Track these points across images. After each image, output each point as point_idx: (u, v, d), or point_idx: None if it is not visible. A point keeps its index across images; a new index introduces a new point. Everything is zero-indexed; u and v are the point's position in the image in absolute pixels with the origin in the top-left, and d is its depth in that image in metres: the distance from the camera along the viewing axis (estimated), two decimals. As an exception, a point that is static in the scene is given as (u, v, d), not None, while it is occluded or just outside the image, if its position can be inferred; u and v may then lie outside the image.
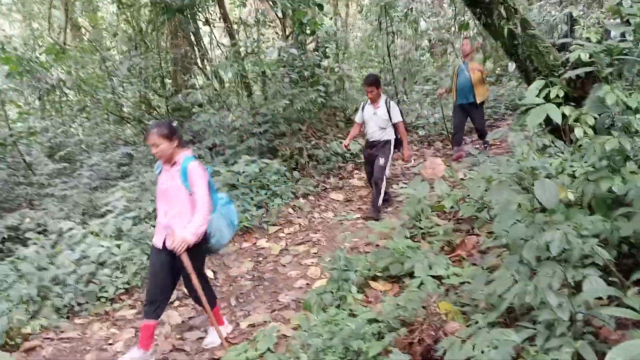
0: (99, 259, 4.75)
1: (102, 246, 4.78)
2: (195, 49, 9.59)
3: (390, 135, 6.29)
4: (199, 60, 9.83)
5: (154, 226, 5.47)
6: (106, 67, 8.67)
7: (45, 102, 9.62)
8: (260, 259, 5.53)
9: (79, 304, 4.44)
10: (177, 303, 4.63)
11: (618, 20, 3.98)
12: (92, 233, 5.10)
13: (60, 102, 9.81)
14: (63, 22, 11.42)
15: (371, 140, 6.37)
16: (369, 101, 6.35)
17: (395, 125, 6.27)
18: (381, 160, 6.14)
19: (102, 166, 7.78)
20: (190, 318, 4.37)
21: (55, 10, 12.37)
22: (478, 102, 7.41)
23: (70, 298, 4.37)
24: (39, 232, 5.49)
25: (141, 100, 9.03)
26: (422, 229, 4.63)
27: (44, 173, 7.44)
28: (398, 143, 6.39)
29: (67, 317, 4.36)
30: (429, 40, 13.58)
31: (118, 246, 4.93)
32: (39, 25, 15.56)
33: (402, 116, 6.32)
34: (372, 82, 6.25)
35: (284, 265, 5.27)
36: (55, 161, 8.13)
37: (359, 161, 8.15)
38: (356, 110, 7.63)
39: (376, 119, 6.26)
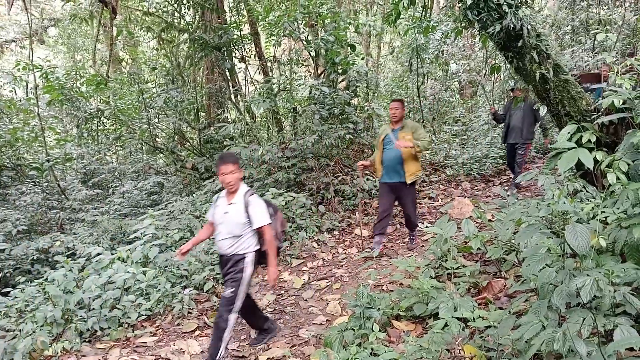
0: (125, 284, 4.82)
1: (128, 272, 4.85)
2: (230, 84, 9.87)
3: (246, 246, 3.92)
4: (232, 95, 10.11)
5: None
6: (143, 99, 8.98)
7: (83, 130, 9.99)
8: (282, 292, 5.50)
9: (102, 329, 4.48)
10: (197, 332, 4.63)
11: None
12: (119, 259, 5.19)
13: (97, 130, 10.17)
14: (105, 55, 11.94)
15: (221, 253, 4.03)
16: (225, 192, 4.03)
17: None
18: (227, 292, 3.85)
19: (133, 194, 7.97)
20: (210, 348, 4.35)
21: (98, 44, 12.96)
22: (408, 182, 5.83)
23: (94, 322, 4.41)
24: (68, 256, 5.63)
25: (175, 131, 9.29)
26: (447, 269, 4.56)
27: (77, 198, 7.65)
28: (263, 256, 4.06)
29: (89, 341, 4.40)
30: (459, 82, 13.67)
31: (144, 273, 4.99)
32: (82, 57, 16.30)
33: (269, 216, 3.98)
34: None
35: (306, 300, 5.23)
36: (88, 187, 8.37)
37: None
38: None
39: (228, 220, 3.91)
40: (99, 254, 5.24)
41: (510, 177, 8.87)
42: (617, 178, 3.13)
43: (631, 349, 2.28)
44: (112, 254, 5.33)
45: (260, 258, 4.07)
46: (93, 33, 12.54)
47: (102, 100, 9.98)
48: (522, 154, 7.99)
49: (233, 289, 3.84)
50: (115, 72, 12.54)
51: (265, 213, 3.96)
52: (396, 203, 6.16)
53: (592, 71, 9.08)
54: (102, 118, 9.64)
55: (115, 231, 6.64)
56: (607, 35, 4.41)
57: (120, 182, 8.91)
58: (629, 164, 3.22)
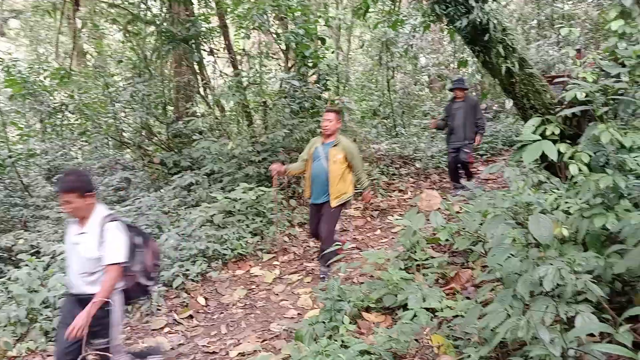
0: (91, 282, 4.71)
1: (95, 269, 4.74)
2: (198, 77, 9.72)
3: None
4: (201, 89, 9.96)
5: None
6: (109, 93, 8.77)
7: (46, 125, 9.71)
8: (253, 286, 5.48)
9: (68, 328, 4.37)
10: (167, 329, 4.57)
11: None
12: (85, 256, 5.06)
13: (61, 125, 9.89)
14: (69, 48, 11.62)
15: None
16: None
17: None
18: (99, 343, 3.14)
19: (100, 190, 7.79)
20: (179, 345, 4.30)
21: (62, 36, 12.60)
22: (333, 205, 5.05)
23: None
24: (32, 254, 5.47)
25: (142, 126, 9.10)
26: (416, 260, 4.61)
27: (40, 195, 7.45)
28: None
29: (55, 341, 4.29)
30: (428, 76, 13.81)
31: (111, 270, 4.88)
32: (45, 50, 15.83)
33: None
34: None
35: (277, 294, 5.23)
36: (52, 184, 8.15)
37: (357, 191, 8.17)
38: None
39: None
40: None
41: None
42: (579, 169, 3.21)
43: (592, 335, 2.35)
44: (77, 252, 5.19)
45: (131, 294, 3.34)
46: (56, 25, 12.15)
47: (66, 95, 9.70)
48: (468, 152, 7.55)
49: (106, 339, 3.11)
50: (80, 65, 12.20)
51: (121, 248, 3.14)
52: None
53: (557, 64, 9.30)
54: (67, 112, 9.38)
55: (81, 228, 6.48)
56: (570, 30, 4.51)
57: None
58: (590, 156, 3.30)
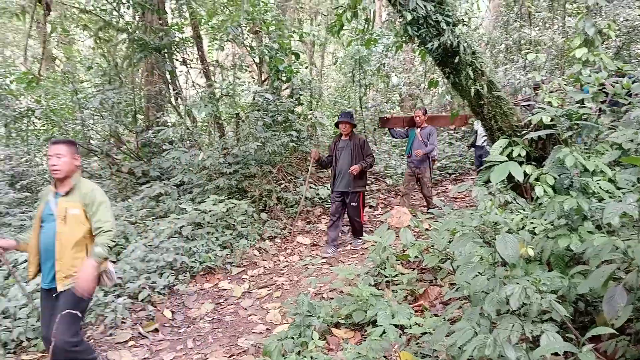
0: (53, 293, 4.57)
1: (58, 280, 4.60)
2: (170, 87, 9.64)
3: None
4: (172, 99, 9.87)
5: (113, 262, 5.34)
6: (78, 99, 8.61)
7: (11, 130, 9.43)
8: (222, 300, 5.42)
9: (28, 339, 4.22)
10: (131, 343, 4.47)
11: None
12: (48, 266, 4.91)
13: (26, 130, 9.63)
14: (37, 52, 11.36)
15: None
16: None
17: None
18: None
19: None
20: (144, 359, 4.21)
21: (30, 40, 12.31)
22: (60, 289, 3.38)
23: (20, 332, 4.15)
24: (-9, 263, 5.27)
25: (111, 134, 8.94)
26: (386, 276, 4.65)
27: (3, 202, 7.22)
28: None
29: (14, 353, 4.14)
30: (400, 95, 14.04)
31: (74, 281, 4.75)
32: (12, 53, 15.44)
33: None
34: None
35: (245, 309, 5.18)
36: (16, 190, 7.92)
37: (327, 206, 8.21)
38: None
39: None
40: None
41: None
42: (544, 191, 3.31)
43: (556, 354, 2.41)
44: (40, 262, 5.04)
45: None
46: (25, 29, 11.89)
47: (33, 99, 9.48)
48: (356, 206, 6.50)
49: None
50: (48, 70, 11.95)
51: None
52: None
53: (523, 88, 9.56)
54: (33, 118, 9.15)
55: (43, 237, 6.31)
56: (537, 55, 4.68)
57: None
58: (555, 178, 3.42)
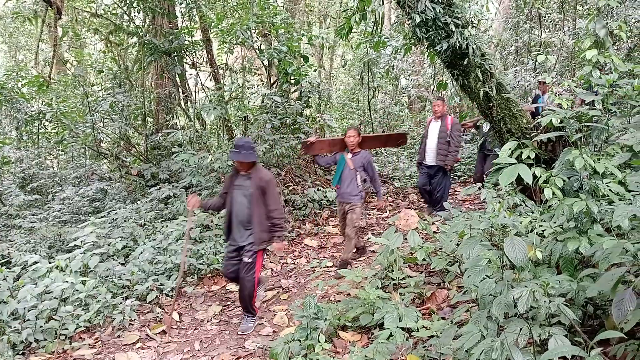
0: (62, 294, 4.61)
1: (67, 282, 4.64)
2: (180, 90, 9.69)
3: None
4: (182, 102, 9.93)
5: (122, 264, 5.38)
6: (88, 102, 8.68)
7: (22, 132, 9.54)
8: (229, 302, 5.42)
9: (37, 341, 4.26)
10: (139, 345, 4.48)
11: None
12: (57, 268, 4.96)
13: (37, 133, 9.73)
14: (49, 56, 11.48)
15: None
16: None
17: None
18: None
19: (74, 200, 7.67)
20: (151, 361, 4.22)
21: (42, 44, 12.46)
22: None
23: (28, 334, 4.19)
24: (3, 264, 5.34)
25: (121, 137, 9.00)
26: (393, 279, 4.63)
27: (13, 204, 7.30)
28: None
29: (23, 354, 4.17)
30: (409, 97, 14.00)
31: (83, 283, 4.79)
32: (24, 57, 15.62)
33: None
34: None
35: (253, 311, 5.17)
36: (26, 192, 8.00)
37: (334, 208, 8.20)
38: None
39: None
40: (35, 263, 4.99)
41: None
42: (554, 193, 3.28)
43: (564, 358, 2.38)
44: (49, 263, 5.08)
45: None
46: (36, 33, 12.03)
47: (44, 102, 9.57)
48: (250, 261, 4.55)
49: None
50: (59, 73, 12.07)
51: None
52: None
53: (533, 90, 9.51)
54: (44, 121, 9.24)
55: (53, 239, 6.35)
56: (547, 57, 4.65)
57: (60, 188, 8.54)
58: (564, 180, 3.39)
